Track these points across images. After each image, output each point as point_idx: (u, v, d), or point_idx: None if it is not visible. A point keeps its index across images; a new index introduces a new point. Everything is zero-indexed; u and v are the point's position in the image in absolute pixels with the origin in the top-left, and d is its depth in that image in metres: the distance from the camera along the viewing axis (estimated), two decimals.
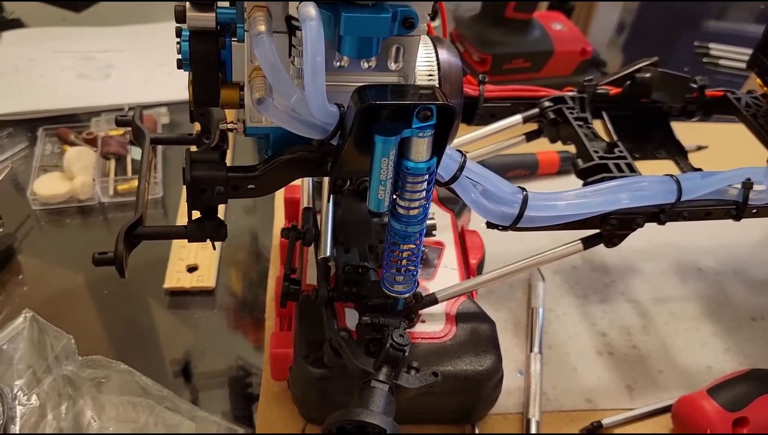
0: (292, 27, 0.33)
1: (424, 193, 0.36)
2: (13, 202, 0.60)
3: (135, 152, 0.63)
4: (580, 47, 0.72)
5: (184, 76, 0.73)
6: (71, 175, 0.61)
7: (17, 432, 0.44)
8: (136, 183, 0.62)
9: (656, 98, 0.51)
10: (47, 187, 0.60)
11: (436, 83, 0.39)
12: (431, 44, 0.40)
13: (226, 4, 0.36)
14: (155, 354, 0.51)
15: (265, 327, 0.52)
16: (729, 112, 0.53)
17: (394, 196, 0.36)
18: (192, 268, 0.56)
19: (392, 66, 0.36)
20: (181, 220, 0.61)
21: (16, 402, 0.45)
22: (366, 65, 0.35)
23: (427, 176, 0.35)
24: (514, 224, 0.41)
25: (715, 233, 0.61)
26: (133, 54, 0.78)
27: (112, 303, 0.54)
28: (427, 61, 0.39)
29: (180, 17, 0.36)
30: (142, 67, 0.76)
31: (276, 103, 0.34)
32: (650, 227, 0.44)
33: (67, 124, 0.67)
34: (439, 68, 0.40)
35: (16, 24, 0.83)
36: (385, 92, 0.33)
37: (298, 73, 0.34)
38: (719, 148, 0.70)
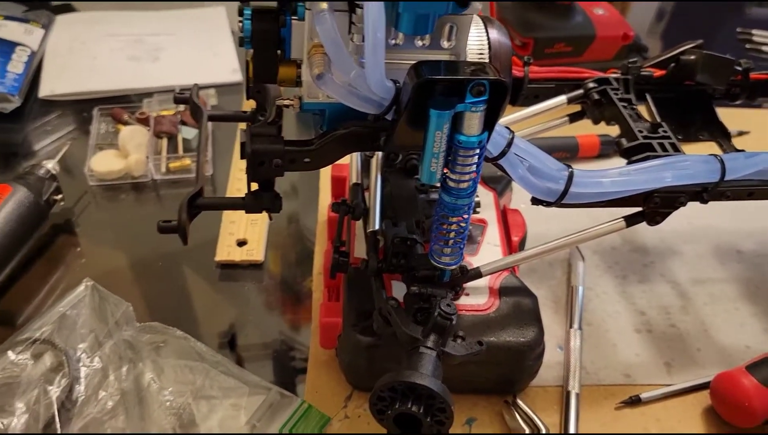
0: (352, 5, 0.35)
1: (474, 167, 0.37)
2: (71, 178, 0.63)
3: (185, 132, 0.66)
4: (622, 32, 0.72)
5: (229, 59, 0.76)
6: (126, 153, 0.63)
7: (82, 390, 0.47)
8: (186, 161, 0.64)
9: (700, 80, 0.51)
10: (103, 164, 0.63)
11: (486, 59, 0.41)
12: (482, 24, 0.41)
13: None
14: (207, 323, 0.53)
15: (312, 299, 0.54)
16: None
17: (445, 170, 0.38)
18: (242, 243, 0.58)
19: (445, 44, 0.37)
20: (233, 193, 0.63)
21: (80, 363, 0.48)
22: (420, 43, 0.37)
23: (478, 150, 0.36)
24: (560, 200, 0.42)
25: (754, 217, 0.61)
26: (181, 37, 0.80)
27: (166, 274, 0.57)
28: (478, 40, 0.41)
29: None
30: (189, 50, 0.79)
31: (335, 78, 0.35)
32: (690, 208, 0.45)
33: (121, 105, 0.69)
34: (489, 47, 0.41)
35: (67, 8, 0.86)
36: (440, 68, 0.34)
37: (356, 50, 0.36)
38: (761, 133, 0.70)
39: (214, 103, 0.71)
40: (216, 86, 0.74)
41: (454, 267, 0.43)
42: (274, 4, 0.37)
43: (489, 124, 0.36)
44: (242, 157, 0.41)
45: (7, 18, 0.77)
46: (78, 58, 0.76)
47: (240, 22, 0.39)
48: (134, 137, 0.64)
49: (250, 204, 0.42)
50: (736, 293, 0.56)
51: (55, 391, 0.46)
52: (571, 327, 0.52)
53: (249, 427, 0.45)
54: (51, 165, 0.58)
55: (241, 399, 0.46)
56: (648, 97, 0.52)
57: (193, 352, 0.49)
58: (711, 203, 0.45)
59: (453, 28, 0.37)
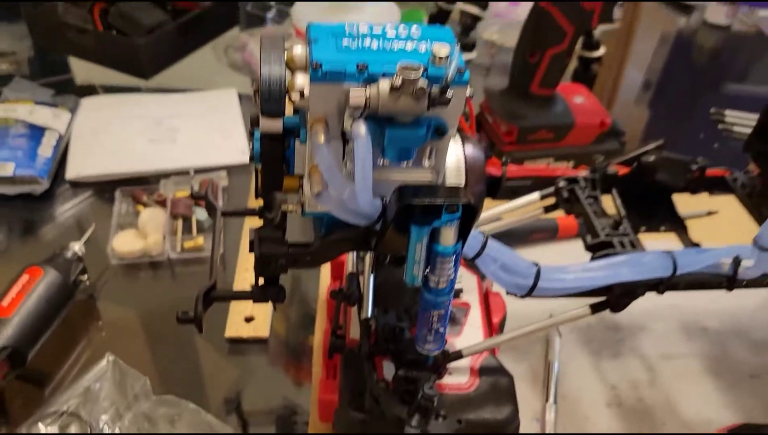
0: (345, 138, 0.41)
1: (451, 271, 0.43)
2: (95, 256, 0.68)
3: (199, 213, 0.72)
4: (599, 120, 0.79)
5: (239, 141, 0.83)
6: (145, 234, 0.69)
7: None
8: (199, 240, 0.70)
9: (659, 179, 0.57)
10: (124, 244, 0.69)
11: (463, 174, 0.47)
12: (460, 140, 0.48)
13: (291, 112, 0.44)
14: (217, 394, 0.59)
15: (311, 373, 0.60)
16: (728, 191, 0.59)
17: (426, 272, 0.44)
18: (249, 319, 0.63)
19: (426, 163, 0.43)
20: (240, 273, 0.69)
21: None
22: (404, 164, 0.43)
23: (453, 257, 0.42)
24: (529, 294, 0.48)
25: (719, 296, 0.66)
26: (195, 119, 0.87)
27: (181, 348, 0.62)
28: (456, 156, 0.47)
29: (254, 122, 0.44)
30: (203, 132, 0.85)
31: (332, 196, 0.42)
32: None
33: (141, 187, 0.75)
34: (465, 161, 0.47)
35: (91, 90, 0.94)
36: (420, 193, 0.40)
37: (349, 174, 0.42)
38: (728, 214, 0.76)
39: (225, 184, 0.78)
40: (227, 167, 0.80)
41: (436, 352, 0.48)
42: (280, 130, 0.44)
43: (462, 236, 0.42)
44: (251, 251, 0.47)
45: (38, 103, 0.84)
46: (102, 141, 0.83)
47: (250, 142, 0.45)
48: (153, 219, 0.70)
49: (257, 296, 0.48)
50: (700, 368, 0.62)
51: None
52: (547, 401, 0.57)
53: None
54: (77, 247, 0.65)
55: None
56: (614, 191, 0.58)
57: (205, 424, 0.54)
58: None
59: (433, 150, 0.43)
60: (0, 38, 0.99)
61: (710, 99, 1.03)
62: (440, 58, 0.39)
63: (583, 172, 0.58)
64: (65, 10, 0.95)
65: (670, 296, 0.55)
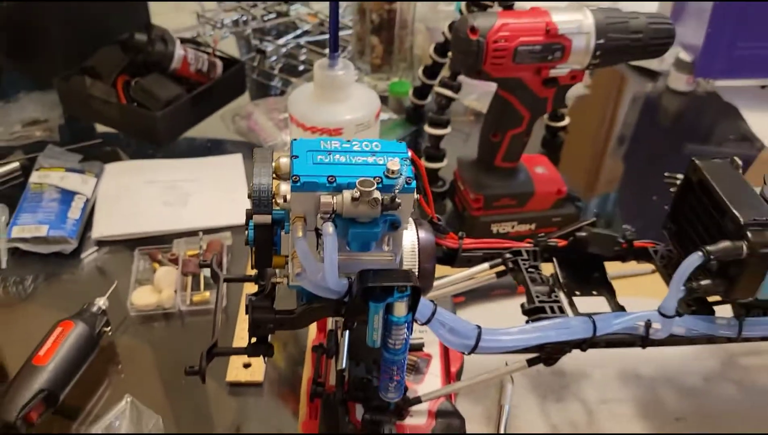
0: (318, 233, 0.52)
1: (404, 336, 0.54)
2: (116, 308, 0.79)
3: (206, 271, 0.83)
4: (556, 188, 0.90)
5: (244, 203, 0.95)
6: (159, 289, 0.81)
7: None
8: (206, 294, 0.81)
9: (591, 251, 0.68)
10: (141, 298, 0.80)
11: (416, 255, 0.58)
12: (414, 225, 0.59)
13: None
14: (219, 430, 0.69)
15: (299, 413, 0.70)
16: (649, 260, 0.70)
17: (385, 335, 0.54)
18: (247, 365, 0.74)
19: (386, 248, 0.54)
20: (240, 324, 0.80)
21: None
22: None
23: (405, 325, 0.53)
24: (472, 352, 0.59)
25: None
26: (205, 183, 0.99)
27: (189, 389, 0.73)
28: (410, 240, 0.58)
29: (249, 215, 0.55)
30: (211, 195, 0.97)
31: (308, 276, 0.53)
32: None
33: (156, 247, 0.87)
34: (419, 243, 0.58)
35: (114, 155, 1.06)
36: (377, 276, 0.51)
37: (321, 260, 0.53)
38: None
39: (230, 243, 0.89)
40: (231, 227, 0.92)
41: (397, 400, 0.59)
42: (269, 222, 0.55)
43: (412, 308, 0.53)
44: (246, 314, 0.58)
45: (68, 170, 0.96)
46: (122, 204, 0.94)
47: (245, 230, 0.56)
48: (166, 276, 0.82)
49: (251, 352, 0.59)
50: (632, 412, 0.72)
51: None
52: None
53: None
54: (102, 302, 0.76)
55: None
56: (554, 260, 0.69)
57: None
58: None
59: (390, 238, 0.54)
60: (34, 108, 1.12)
61: (672, 159, 1.14)
62: (392, 171, 0.51)
63: (526, 245, 0.69)
64: (91, 84, 1.08)
65: None
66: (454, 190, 0.95)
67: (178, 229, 0.91)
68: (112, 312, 0.77)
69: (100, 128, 1.11)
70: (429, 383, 0.66)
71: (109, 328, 0.75)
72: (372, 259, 0.54)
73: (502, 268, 0.69)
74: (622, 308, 0.66)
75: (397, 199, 0.50)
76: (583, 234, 0.68)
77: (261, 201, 0.52)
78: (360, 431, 0.58)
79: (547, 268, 0.68)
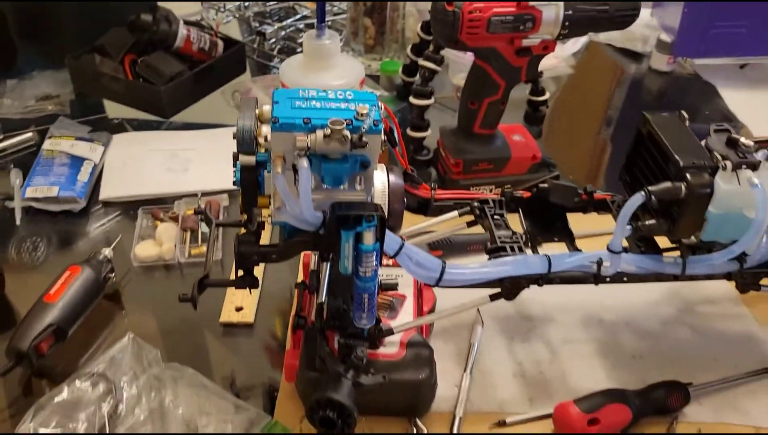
0: (295, 169, 0.59)
1: (373, 264, 0.60)
2: (120, 260, 0.86)
3: (204, 227, 0.90)
4: (531, 153, 0.96)
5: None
6: (160, 243, 0.88)
7: (124, 408, 0.69)
8: (204, 248, 0.88)
9: (553, 201, 0.74)
10: (144, 250, 0.87)
11: (386, 195, 0.64)
12: (385, 170, 0.65)
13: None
14: (212, 364, 0.76)
15: (285, 348, 0.77)
16: (608, 210, 0.75)
17: (356, 264, 0.61)
18: (239, 308, 0.81)
19: (357, 187, 0.61)
20: (233, 273, 0.86)
21: (123, 390, 0.70)
22: (342, 187, 0.60)
23: (374, 254, 0.59)
24: (437, 284, 0.65)
25: (619, 294, 0.81)
26: (204, 152, 1.06)
27: (185, 329, 0.80)
28: (381, 182, 0.64)
29: (236, 157, 0.62)
30: (210, 162, 1.04)
31: (287, 210, 0.59)
32: (569, 288, 0.68)
33: (158, 206, 0.94)
34: (389, 185, 0.64)
35: (121, 127, 1.13)
36: (348, 207, 0.58)
37: (298, 194, 0.59)
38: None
39: (226, 204, 0.96)
40: (228, 191, 0.98)
41: (369, 326, 0.65)
42: (254, 163, 0.62)
43: (380, 238, 0.59)
44: (234, 252, 0.65)
45: (78, 139, 1.04)
46: (128, 170, 1.01)
47: (234, 172, 0.63)
48: (167, 231, 0.89)
49: (238, 283, 0.66)
50: (592, 351, 0.78)
51: (105, 408, 0.69)
52: (464, 371, 0.74)
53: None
54: (107, 251, 0.83)
55: (229, 416, 0.68)
56: (520, 211, 0.75)
57: (199, 383, 0.71)
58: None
59: (362, 178, 0.61)
60: (47, 84, 1.19)
61: None
62: (361, 114, 0.57)
63: (493, 196, 0.75)
64: (100, 62, 1.15)
65: (578, 293, 0.71)
66: (438, 158, 1.01)
67: (179, 192, 0.98)
68: (117, 264, 0.84)
69: (110, 105, 1.18)
70: (402, 320, 0.72)
71: (114, 274, 0.82)
72: (346, 196, 0.60)
73: (471, 217, 0.75)
74: (579, 251, 0.72)
75: (364, 138, 0.56)
76: (546, 185, 0.74)
77: (244, 140, 0.58)
78: (338, 354, 0.65)
79: (514, 221, 0.74)
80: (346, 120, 0.56)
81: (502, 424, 0.69)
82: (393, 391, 0.66)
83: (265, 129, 0.59)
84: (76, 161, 1.00)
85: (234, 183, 0.63)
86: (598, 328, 0.80)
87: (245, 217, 0.71)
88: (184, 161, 1.04)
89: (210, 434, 0.67)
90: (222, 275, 0.87)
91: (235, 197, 0.98)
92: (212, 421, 0.68)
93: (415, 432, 0.67)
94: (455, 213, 0.74)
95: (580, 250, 0.72)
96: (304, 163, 0.56)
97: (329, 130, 0.55)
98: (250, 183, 0.62)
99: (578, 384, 0.74)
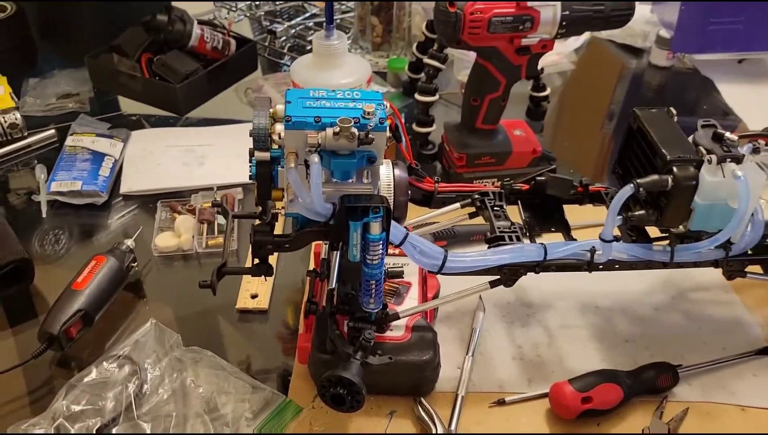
0: (307, 164, 0.63)
1: (379, 252, 0.64)
2: (141, 250, 0.91)
3: (220, 219, 0.95)
4: (532, 148, 1.00)
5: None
6: (179, 234, 0.92)
7: (148, 388, 0.74)
8: (221, 239, 0.93)
9: (549, 193, 0.78)
10: (163, 241, 0.92)
11: (392, 188, 0.68)
12: (390, 165, 0.69)
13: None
14: (229, 347, 0.81)
15: (298, 332, 0.82)
16: (603, 202, 0.80)
17: (364, 252, 0.65)
18: (254, 296, 0.86)
19: (365, 181, 0.65)
20: (248, 263, 0.91)
21: (147, 372, 0.75)
22: (350, 180, 0.65)
23: (380, 243, 0.64)
24: (440, 271, 0.69)
25: (615, 282, 0.85)
26: (219, 147, 1.11)
27: (203, 315, 0.85)
28: (387, 176, 0.68)
29: (251, 153, 0.67)
30: (225, 157, 1.09)
31: (299, 202, 0.63)
32: (567, 276, 0.72)
33: (176, 199, 0.99)
34: (394, 179, 0.69)
35: (139, 124, 1.18)
36: (356, 199, 0.62)
37: (310, 187, 0.64)
38: None
39: (241, 197, 1.01)
40: (241, 185, 1.03)
41: (376, 311, 0.70)
42: (268, 158, 0.66)
43: (385, 227, 0.64)
44: (251, 242, 0.70)
45: (98, 136, 1.09)
46: (147, 165, 1.06)
47: (250, 166, 0.68)
48: (185, 223, 0.93)
49: (254, 271, 0.70)
50: (588, 335, 0.82)
51: (131, 388, 0.74)
52: (466, 354, 0.78)
53: (251, 412, 0.72)
54: (129, 242, 0.88)
55: (246, 395, 0.73)
56: (519, 202, 0.79)
57: (218, 364, 0.76)
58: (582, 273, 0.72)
59: (369, 172, 0.65)
60: (67, 82, 1.24)
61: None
62: (368, 113, 0.61)
63: (493, 188, 0.79)
64: (118, 61, 1.20)
65: (576, 281, 0.75)
66: (442, 152, 1.06)
67: (195, 186, 1.02)
68: (138, 254, 0.89)
69: (126, 101, 1.23)
70: (408, 305, 0.76)
71: (136, 263, 0.87)
72: (354, 188, 0.65)
73: (472, 209, 0.80)
74: (574, 240, 0.76)
75: (370, 135, 0.61)
76: (543, 178, 0.78)
77: (259, 138, 0.63)
78: (347, 336, 0.69)
79: (514, 213, 0.78)
80: (353, 118, 0.61)
81: (501, 402, 0.73)
82: (399, 371, 0.70)
83: (279, 127, 0.63)
84: (98, 157, 1.05)
85: (250, 177, 0.68)
86: (594, 314, 0.85)
87: (260, 209, 0.76)
88: (200, 156, 1.09)
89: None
90: (238, 264, 0.92)
91: (249, 190, 1.03)
92: (230, 400, 0.73)
93: (421, 411, 0.72)
94: (457, 205, 0.78)
95: (575, 240, 0.76)
96: (315, 158, 0.60)
97: (338, 128, 0.60)
98: (265, 177, 0.67)
99: (574, 366, 0.78)
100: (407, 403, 0.73)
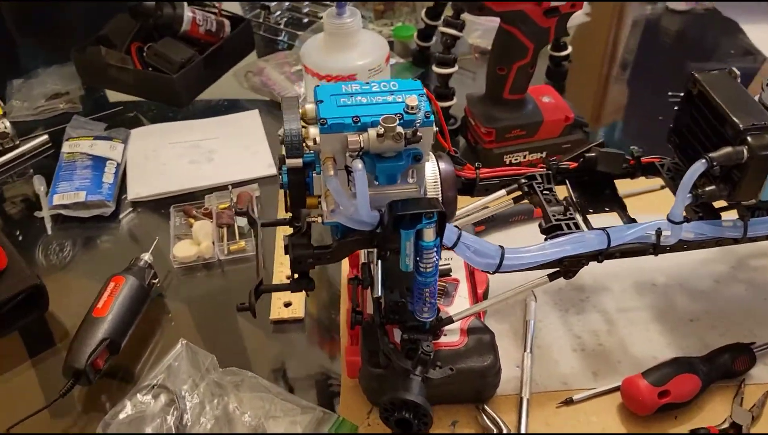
0: (348, 170, 0.57)
1: (434, 259, 0.58)
2: (159, 262, 0.84)
3: (239, 221, 0.88)
4: (563, 115, 0.93)
5: (265, 156, 0.99)
6: (198, 241, 0.86)
7: (189, 418, 0.69)
8: (242, 243, 0.87)
9: (600, 169, 0.72)
10: (182, 251, 0.85)
11: (438, 184, 0.62)
12: (434, 158, 0.63)
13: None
14: (267, 363, 0.75)
15: (339, 342, 0.76)
16: (658, 174, 0.74)
17: (417, 260, 0.59)
18: (287, 304, 0.80)
19: (410, 180, 0.59)
20: (277, 267, 0.85)
21: (185, 401, 0.70)
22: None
23: (434, 249, 0.58)
24: (497, 270, 0.63)
25: (669, 256, 0.80)
26: (227, 140, 1.03)
27: (234, 329, 0.79)
28: (432, 171, 0.62)
29: (282, 160, 0.60)
30: (234, 151, 1.01)
31: (341, 211, 0.57)
32: None
33: (189, 203, 0.92)
34: (440, 173, 0.63)
35: (137, 121, 1.10)
36: (406, 205, 0.56)
37: (353, 195, 0.57)
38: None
39: (258, 194, 0.94)
40: (257, 180, 0.96)
41: (430, 320, 0.64)
42: (301, 165, 0.59)
43: (439, 233, 0.57)
44: (285, 254, 0.64)
45: (96, 138, 1.01)
46: (152, 165, 0.99)
47: (279, 174, 0.61)
48: (203, 229, 0.87)
49: (294, 287, 0.64)
50: (649, 317, 0.77)
51: (170, 420, 0.68)
52: (524, 351, 0.73)
53: None
54: (147, 257, 0.81)
55: (296, 417, 0.68)
56: (567, 182, 0.73)
57: (261, 386, 0.71)
58: None
59: (414, 171, 0.58)
60: (54, 80, 1.15)
61: (675, 79, 1.16)
62: (411, 107, 0.55)
63: (539, 170, 0.73)
64: (107, 53, 1.11)
65: (626, 259, 0.70)
66: (466, 126, 0.99)
67: (207, 185, 0.95)
68: (156, 266, 0.82)
69: (120, 96, 1.15)
70: (458, 305, 0.71)
71: (158, 280, 0.81)
72: (399, 191, 0.58)
73: (518, 193, 0.74)
74: (633, 221, 0.70)
75: (418, 133, 0.54)
76: (592, 154, 0.72)
77: (293, 145, 0.56)
78: (401, 348, 0.64)
79: (561, 192, 0.72)
80: (396, 115, 0.54)
81: (569, 402, 0.69)
82: (459, 380, 0.65)
83: (313, 131, 0.56)
84: (99, 162, 0.97)
85: (281, 186, 0.61)
86: (652, 293, 0.79)
87: (290, 214, 0.69)
88: (207, 152, 1.02)
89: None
90: (264, 270, 0.86)
91: (266, 185, 0.96)
92: (280, 424, 0.68)
93: (485, 418, 0.67)
94: (502, 192, 0.72)
95: (634, 220, 0.70)
96: (358, 165, 0.54)
97: (382, 129, 0.53)
98: (299, 185, 0.60)
99: (639, 353, 0.73)
100: (468, 410, 0.68)
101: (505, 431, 0.66)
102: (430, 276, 0.60)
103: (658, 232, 0.66)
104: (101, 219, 0.93)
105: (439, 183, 0.62)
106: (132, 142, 1.04)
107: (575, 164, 0.73)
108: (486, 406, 0.68)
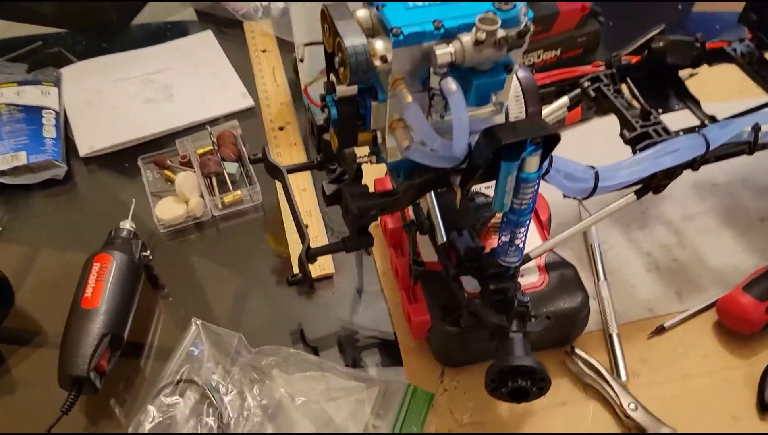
0: (430, 94, 0.44)
1: (532, 194, 0.47)
2: (141, 228, 0.69)
3: (229, 167, 0.73)
4: (580, 5, 0.82)
5: (236, 86, 0.83)
6: (184, 198, 0.71)
7: (230, 414, 0.57)
8: (237, 193, 0.72)
9: (671, 61, 0.62)
10: (167, 211, 0.70)
11: (522, 100, 0.50)
12: None
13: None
14: (299, 331, 0.63)
15: (383, 298, 0.65)
16: (729, 60, 0.64)
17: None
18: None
19: (493, 98, 0.47)
20: (286, 217, 0.71)
21: (221, 395, 0.58)
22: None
23: (536, 181, 0.47)
24: (591, 195, 0.53)
25: None
26: (184, 71, 0.86)
27: (250, 299, 0.66)
28: (512, 84, 0.50)
29: (330, 89, 0.46)
30: (197, 82, 0.85)
31: (422, 147, 0.45)
32: None
33: (160, 152, 0.76)
34: (520, 84, 0.51)
35: (63, 58, 0.90)
36: (507, 131, 0.44)
37: (434, 124, 0.45)
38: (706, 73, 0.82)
39: (239, 132, 0.78)
40: (233, 114, 0.81)
41: (518, 263, 0.53)
42: (355, 93, 0.46)
43: (543, 161, 0.46)
44: (328, 205, 0.51)
45: (21, 84, 0.81)
46: (100, 110, 0.81)
47: (324, 109, 0.48)
48: (188, 181, 0.72)
49: (350, 246, 0.52)
50: (717, 222, 0.69)
51: (209, 420, 0.56)
52: (598, 280, 0.64)
53: (374, 415, 0.56)
54: (128, 224, 0.66)
55: (361, 394, 0.57)
56: (629, 80, 0.63)
57: (308, 363, 0.59)
58: None
59: None
60: None
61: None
62: (504, 2, 0.42)
63: (601, 69, 0.62)
64: None
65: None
66: None
67: (173, 128, 0.79)
68: (140, 234, 0.67)
69: (35, 29, 0.94)
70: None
71: (148, 251, 0.66)
72: (478, 113, 0.46)
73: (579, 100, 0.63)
74: (713, 118, 0.61)
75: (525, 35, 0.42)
76: (660, 44, 0.62)
77: (359, 68, 0.42)
78: (484, 301, 0.53)
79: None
80: (489, 14, 0.41)
81: (661, 330, 0.61)
82: (551, 326, 0.56)
83: (381, 45, 0.43)
84: (33, 113, 0.79)
85: (326, 121, 0.48)
86: (714, 195, 0.72)
87: (320, 155, 0.56)
88: (163, 87, 0.85)
89: None
90: (264, 220, 0.73)
91: (244, 119, 0.80)
92: (343, 405, 0.57)
93: (579, 362, 0.58)
94: (565, 99, 0.61)
95: (714, 118, 0.61)
96: (452, 85, 0.41)
97: (483, 35, 0.40)
98: (351, 118, 0.47)
99: (718, 263, 0.66)
100: (554, 356, 0.60)
101: (605, 374, 0.57)
102: (525, 213, 0.49)
103: (756, 128, 0.57)
104: (53, 183, 0.75)
105: (521, 97, 0.50)
106: (66, 85, 0.85)
107: (638, 58, 0.63)
108: (577, 350, 0.59)
